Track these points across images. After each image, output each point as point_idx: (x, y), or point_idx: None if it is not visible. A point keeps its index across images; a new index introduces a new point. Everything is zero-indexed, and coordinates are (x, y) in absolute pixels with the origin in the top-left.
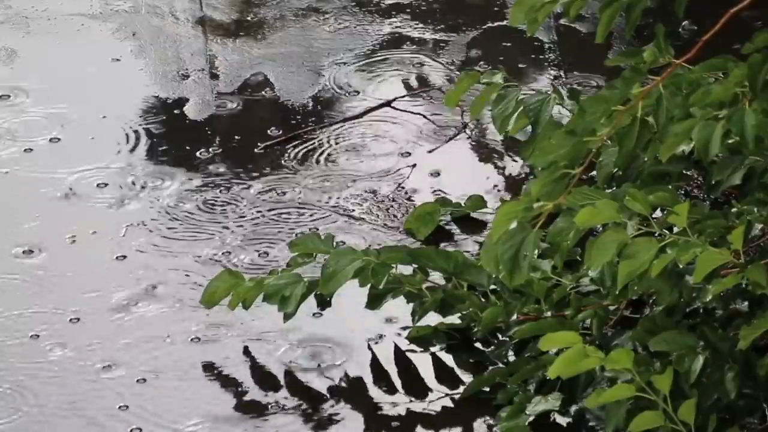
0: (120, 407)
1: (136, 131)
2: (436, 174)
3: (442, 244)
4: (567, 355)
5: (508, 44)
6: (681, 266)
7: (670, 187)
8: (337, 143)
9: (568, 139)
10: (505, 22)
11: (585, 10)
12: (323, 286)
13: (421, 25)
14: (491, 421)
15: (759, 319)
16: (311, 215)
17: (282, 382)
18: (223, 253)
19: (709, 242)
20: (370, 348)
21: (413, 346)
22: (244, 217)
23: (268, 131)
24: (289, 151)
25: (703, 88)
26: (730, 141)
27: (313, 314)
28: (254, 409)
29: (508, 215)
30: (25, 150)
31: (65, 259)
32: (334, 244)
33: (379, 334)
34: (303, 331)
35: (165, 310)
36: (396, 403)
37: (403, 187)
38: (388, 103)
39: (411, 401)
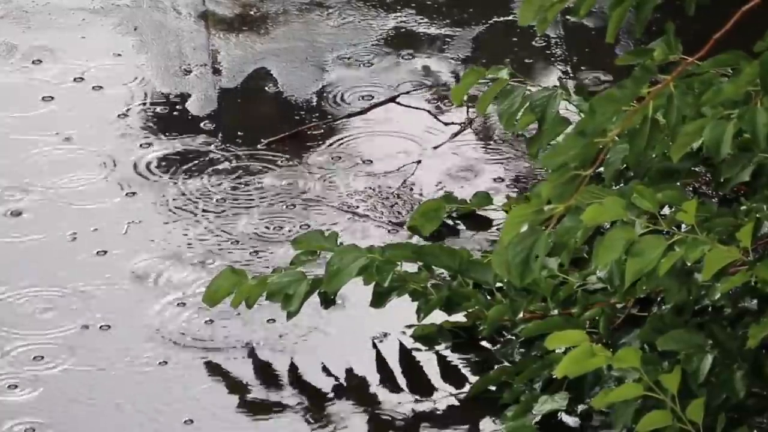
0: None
1: (137, 128)
2: (441, 170)
3: (447, 242)
4: (574, 354)
5: (515, 39)
6: (689, 264)
7: (678, 184)
8: (340, 139)
9: (578, 141)
10: (511, 17)
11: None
12: (327, 283)
13: (426, 20)
14: (497, 421)
15: None
16: (315, 212)
17: (285, 380)
18: (223, 250)
19: (717, 240)
20: (374, 346)
21: (418, 345)
22: (246, 213)
23: (272, 127)
24: (292, 147)
25: (714, 86)
26: (739, 138)
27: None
28: (257, 408)
29: (519, 218)
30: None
31: (64, 258)
32: (338, 241)
33: (384, 332)
34: (306, 330)
35: (170, 301)
36: (401, 402)
37: (407, 184)
38: (392, 99)
39: (416, 400)
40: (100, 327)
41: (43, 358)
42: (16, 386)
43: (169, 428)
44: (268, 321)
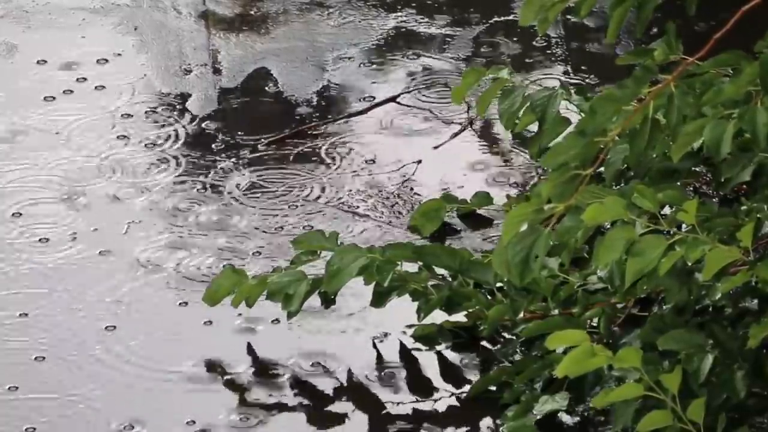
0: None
1: (138, 128)
2: (441, 170)
3: (448, 241)
4: (574, 354)
5: (515, 39)
6: (689, 264)
7: (678, 184)
8: (341, 139)
9: (578, 140)
10: (511, 17)
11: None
12: (327, 283)
13: (426, 20)
14: (497, 421)
15: None
16: (315, 212)
17: (286, 380)
18: (224, 249)
19: (718, 240)
20: (375, 346)
21: (418, 345)
22: (247, 213)
23: (272, 127)
24: (293, 147)
25: (715, 86)
26: (739, 138)
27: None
28: (258, 408)
29: (519, 218)
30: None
31: (65, 258)
32: (338, 241)
33: (384, 332)
34: (307, 329)
35: (170, 300)
36: (401, 402)
37: (408, 184)
38: (393, 99)
39: (416, 400)
40: (105, 327)
41: (44, 359)
42: (17, 388)
43: (170, 429)
44: (270, 321)
